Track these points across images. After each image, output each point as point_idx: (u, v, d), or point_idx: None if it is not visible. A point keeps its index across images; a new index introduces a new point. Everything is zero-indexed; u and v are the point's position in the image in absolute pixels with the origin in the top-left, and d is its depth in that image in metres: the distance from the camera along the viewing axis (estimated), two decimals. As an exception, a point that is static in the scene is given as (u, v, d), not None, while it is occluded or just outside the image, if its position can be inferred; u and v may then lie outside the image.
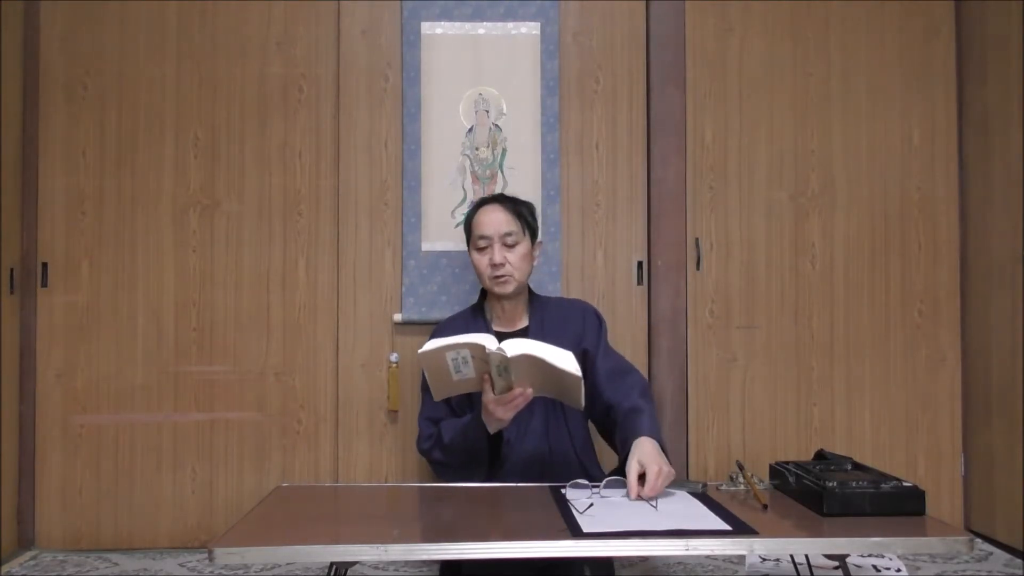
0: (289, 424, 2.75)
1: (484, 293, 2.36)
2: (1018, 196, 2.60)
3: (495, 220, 2.24)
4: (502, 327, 2.29)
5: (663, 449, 1.89)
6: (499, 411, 1.95)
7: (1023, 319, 2.58)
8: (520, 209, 2.28)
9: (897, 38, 2.86)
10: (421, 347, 1.92)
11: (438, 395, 2.02)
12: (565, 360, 1.87)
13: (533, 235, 2.30)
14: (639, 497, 1.73)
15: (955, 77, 2.87)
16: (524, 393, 1.91)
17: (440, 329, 2.33)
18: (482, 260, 2.24)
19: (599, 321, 2.30)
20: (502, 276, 2.21)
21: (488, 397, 1.95)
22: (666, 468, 1.79)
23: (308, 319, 2.77)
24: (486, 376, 1.92)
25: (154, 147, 2.77)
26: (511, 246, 2.23)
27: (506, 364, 1.86)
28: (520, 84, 2.78)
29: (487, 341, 1.86)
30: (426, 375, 1.96)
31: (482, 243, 2.24)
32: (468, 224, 2.31)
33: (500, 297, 2.26)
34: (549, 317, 2.29)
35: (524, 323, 2.30)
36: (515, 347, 1.85)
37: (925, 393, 2.83)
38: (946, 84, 2.86)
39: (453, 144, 2.77)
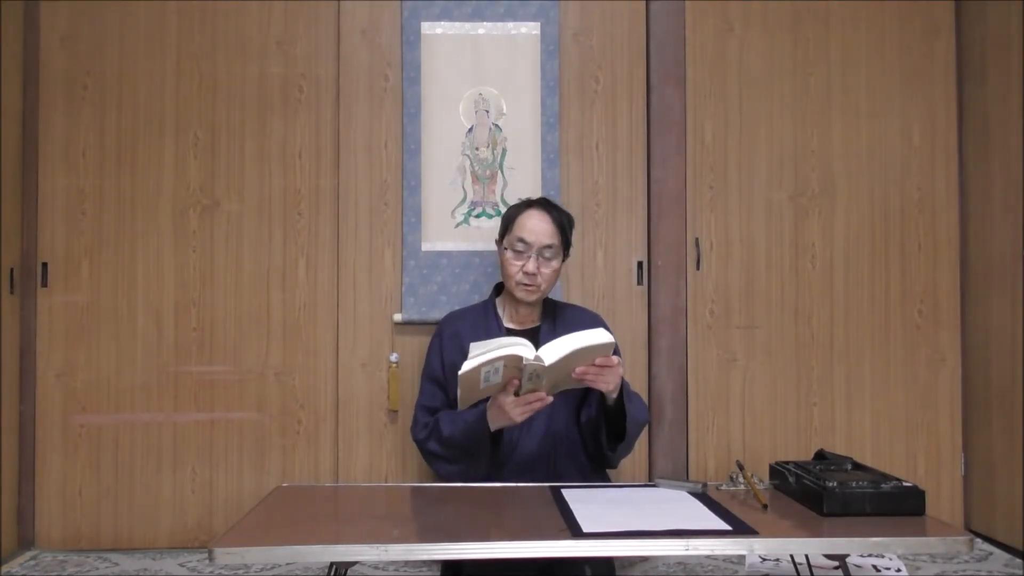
0: (289, 424, 2.75)
1: (498, 288, 2.37)
2: (1018, 196, 2.60)
3: (539, 229, 2.22)
4: (513, 325, 2.29)
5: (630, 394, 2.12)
6: (515, 412, 1.94)
7: (1023, 319, 2.58)
8: (563, 221, 2.27)
9: (897, 38, 2.86)
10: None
11: (464, 404, 1.96)
12: (597, 336, 1.87)
13: (566, 249, 2.30)
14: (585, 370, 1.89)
15: (955, 77, 2.87)
16: (544, 398, 1.91)
17: (449, 320, 2.34)
18: (514, 264, 2.22)
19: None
20: (531, 286, 2.21)
21: (508, 400, 1.93)
22: (619, 368, 1.95)
23: (308, 319, 2.77)
24: (514, 381, 1.90)
25: (154, 147, 2.77)
26: (547, 259, 2.22)
27: (540, 372, 1.85)
28: (520, 84, 2.78)
29: (524, 351, 1.84)
30: (459, 391, 1.90)
31: (520, 246, 2.22)
32: (508, 221, 2.28)
33: (518, 300, 2.26)
34: (562, 322, 2.28)
35: (535, 323, 2.30)
36: (551, 353, 1.84)
37: (925, 393, 2.83)
38: (946, 84, 2.86)
39: (453, 144, 2.77)
